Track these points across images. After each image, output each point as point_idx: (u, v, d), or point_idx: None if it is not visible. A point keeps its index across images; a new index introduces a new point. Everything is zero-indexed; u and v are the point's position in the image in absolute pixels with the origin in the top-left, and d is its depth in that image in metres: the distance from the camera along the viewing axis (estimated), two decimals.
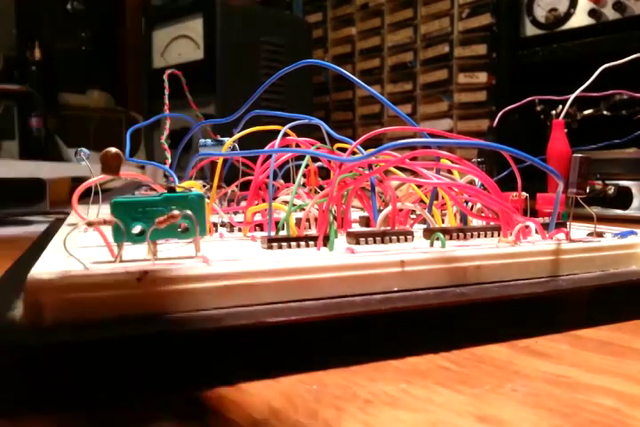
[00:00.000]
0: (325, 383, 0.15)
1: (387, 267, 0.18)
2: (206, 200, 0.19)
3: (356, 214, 0.30)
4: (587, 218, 0.28)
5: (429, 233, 0.22)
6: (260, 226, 0.27)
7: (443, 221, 0.27)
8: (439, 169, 0.25)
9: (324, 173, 0.33)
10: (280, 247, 0.21)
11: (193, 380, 0.15)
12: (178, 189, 0.18)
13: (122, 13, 1.78)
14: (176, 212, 0.17)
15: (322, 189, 0.27)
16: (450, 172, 0.25)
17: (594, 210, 0.25)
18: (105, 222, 0.16)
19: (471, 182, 0.26)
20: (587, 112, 0.70)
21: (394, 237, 0.22)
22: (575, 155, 0.23)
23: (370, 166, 0.25)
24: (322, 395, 0.14)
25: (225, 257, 0.18)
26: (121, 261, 0.17)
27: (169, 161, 0.27)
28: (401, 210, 0.26)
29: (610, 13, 0.71)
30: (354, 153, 0.25)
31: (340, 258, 0.18)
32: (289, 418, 0.13)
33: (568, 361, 0.17)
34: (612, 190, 0.59)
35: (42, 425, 0.13)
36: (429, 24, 1.23)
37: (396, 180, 0.26)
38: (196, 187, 0.24)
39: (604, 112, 0.69)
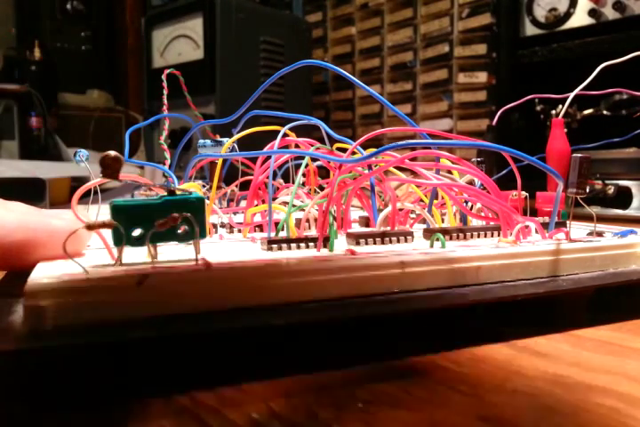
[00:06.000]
0: (325, 383, 0.15)
1: (387, 268, 0.18)
2: (206, 201, 0.19)
3: (355, 214, 0.30)
4: (587, 218, 0.28)
5: (429, 233, 0.22)
6: (260, 227, 0.27)
7: (442, 221, 0.27)
8: (439, 169, 0.25)
9: (324, 173, 0.33)
10: (280, 249, 0.21)
11: (193, 380, 0.15)
12: (177, 192, 0.18)
13: (122, 13, 1.78)
14: (176, 215, 0.17)
15: (321, 188, 0.27)
16: (450, 172, 0.25)
17: (594, 210, 0.25)
18: (105, 225, 0.16)
19: (471, 182, 0.26)
20: (587, 112, 0.70)
21: (394, 238, 0.22)
22: (575, 154, 0.23)
23: (369, 167, 0.25)
24: (322, 395, 0.14)
25: (225, 259, 0.18)
26: (121, 264, 0.17)
27: (168, 161, 0.27)
28: (401, 210, 0.26)
29: (610, 13, 0.71)
30: (354, 153, 0.25)
31: (340, 260, 0.18)
32: (289, 418, 0.13)
33: (568, 361, 0.17)
34: (611, 190, 0.59)
35: (42, 425, 0.13)
36: (429, 24, 1.23)
37: (395, 180, 0.26)
38: (195, 188, 0.24)
39: (604, 112, 0.69)
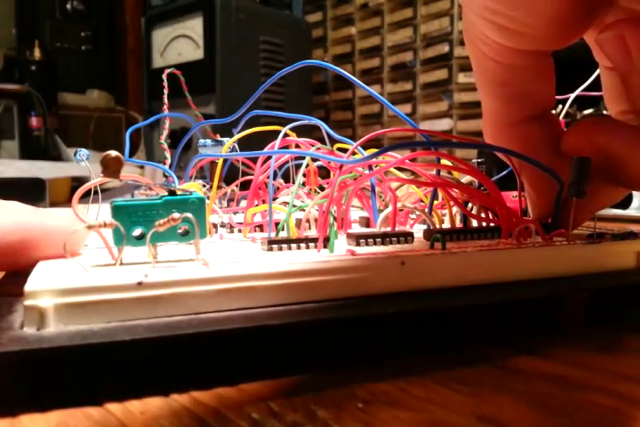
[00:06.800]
0: (325, 383, 0.15)
1: (387, 268, 0.18)
2: (206, 201, 0.19)
3: (355, 214, 0.30)
4: None
5: (430, 234, 0.22)
6: (260, 227, 0.27)
7: (442, 222, 0.27)
8: (439, 170, 0.25)
9: (324, 172, 0.33)
10: (280, 249, 0.21)
11: (193, 380, 0.15)
12: (178, 192, 0.18)
13: (122, 13, 1.78)
14: (176, 215, 0.17)
15: (322, 189, 0.27)
16: (450, 172, 0.25)
17: None
18: (105, 225, 0.16)
19: (471, 183, 0.27)
20: (587, 112, 0.70)
21: (394, 239, 0.22)
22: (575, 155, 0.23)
23: (370, 167, 0.25)
24: (321, 395, 0.14)
25: (225, 259, 0.18)
26: (121, 264, 0.17)
27: (168, 161, 0.27)
28: (401, 210, 0.26)
29: None
30: (354, 154, 0.25)
31: (340, 260, 0.18)
32: (288, 418, 0.13)
33: (568, 361, 0.17)
34: None
35: (41, 425, 0.13)
36: (429, 24, 1.23)
37: (395, 181, 0.26)
38: (196, 188, 0.24)
39: (604, 112, 0.69)
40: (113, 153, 0.17)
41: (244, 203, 0.29)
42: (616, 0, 0.20)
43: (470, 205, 0.26)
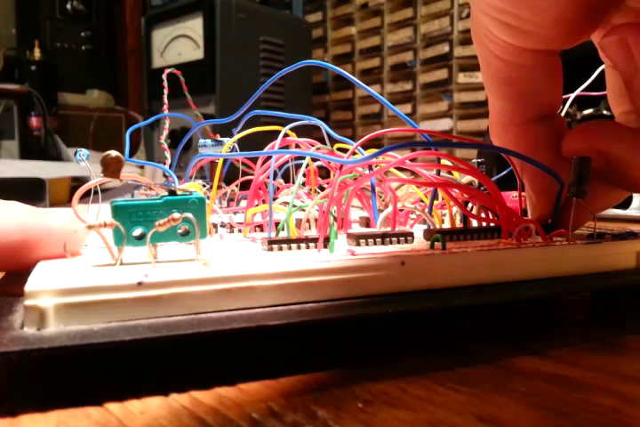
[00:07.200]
0: (325, 383, 0.15)
1: (387, 268, 0.18)
2: (206, 201, 0.19)
3: (355, 214, 0.30)
4: None
5: (430, 234, 0.22)
6: (260, 227, 0.27)
7: (442, 222, 0.27)
8: (439, 170, 0.25)
9: (324, 172, 0.33)
10: (280, 249, 0.21)
11: (193, 380, 0.15)
12: (178, 192, 0.18)
13: (122, 13, 1.78)
14: (176, 215, 0.17)
15: (322, 189, 0.27)
16: (450, 172, 0.25)
17: None
18: (105, 225, 0.16)
19: (471, 183, 0.26)
20: (587, 112, 0.70)
21: (394, 239, 0.22)
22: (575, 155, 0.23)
23: (370, 167, 0.25)
24: (321, 395, 0.14)
25: (225, 259, 0.18)
26: (121, 264, 0.17)
27: (168, 161, 0.27)
28: (401, 210, 0.26)
29: None
30: (354, 154, 0.25)
31: (340, 260, 0.18)
32: (288, 418, 0.13)
33: (568, 361, 0.17)
34: None
35: (41, 425, 0.13)
36: (429, 24, 1.23)
37: (395, 181, 0.26)
38: (196, 188, 0.24)
39: (604, 112, 0.69)
40: (113, 153, 0.17)
41: (243, 203, 0.29)
42: (624, 0, 0.20)
43: (470, 205, 0.26)
